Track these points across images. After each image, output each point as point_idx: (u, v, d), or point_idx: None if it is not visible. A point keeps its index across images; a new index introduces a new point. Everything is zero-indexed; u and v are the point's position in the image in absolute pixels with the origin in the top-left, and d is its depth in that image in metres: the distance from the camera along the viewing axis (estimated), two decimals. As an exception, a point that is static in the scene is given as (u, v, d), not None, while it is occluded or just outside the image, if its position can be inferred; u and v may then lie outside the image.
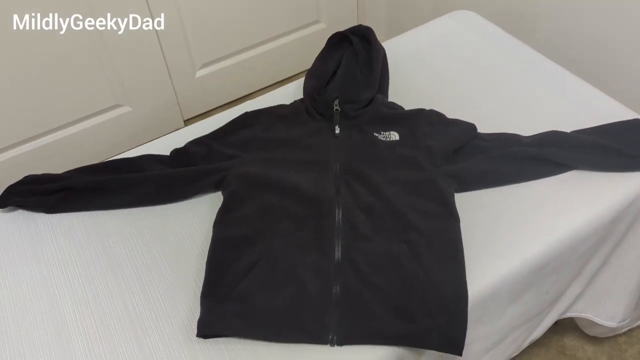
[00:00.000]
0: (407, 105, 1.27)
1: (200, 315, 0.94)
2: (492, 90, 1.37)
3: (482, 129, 1.22)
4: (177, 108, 2.23)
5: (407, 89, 1.39)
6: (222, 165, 1.15)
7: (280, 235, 1.03)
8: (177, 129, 2.37)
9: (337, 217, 1.05)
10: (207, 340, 0.93)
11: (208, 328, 0.93)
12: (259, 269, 0.98)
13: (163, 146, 1.27)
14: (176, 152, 1.21)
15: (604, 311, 1.27)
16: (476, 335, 1.05)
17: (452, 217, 1.05)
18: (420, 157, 1.13)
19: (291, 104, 1.31)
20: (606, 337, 1.49)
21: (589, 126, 1.21)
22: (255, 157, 1.17)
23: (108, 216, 1.15)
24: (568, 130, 1.19)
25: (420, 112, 1.22)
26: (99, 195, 1.14)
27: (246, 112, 1.27)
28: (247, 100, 1.48)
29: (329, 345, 0.91)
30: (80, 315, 0.99)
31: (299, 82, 1.42)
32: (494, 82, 1.39)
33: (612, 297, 1.25)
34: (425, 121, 1.20)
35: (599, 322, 1.30)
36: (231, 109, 1.38)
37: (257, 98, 1.43)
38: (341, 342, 0.91)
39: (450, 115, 1.24)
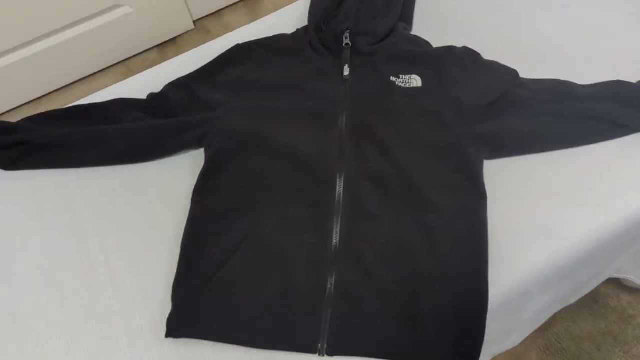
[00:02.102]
0: (436, 40, 1.02)
1: (171, 312, 0.81)
2: (552, 18, 1.09)
3: (531, 71, 0.97)
4: (184, 7, 1.98)
5: (436, 18, 1.11)
6: (206, 116, 0.96)
7: (270, 210, 0.87)
8: (187, 31, 2.18)
9: (337, 189, 0.87)
10: (179, 340, 0.81)
11: (178, 330, 0.80)
12: (242, 253, 0.83)
13: (147, 84, 1.06)
14: (153, 97, 1.01)
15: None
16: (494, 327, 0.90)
17: (478, 194, 0.86)
18: (446, 111, 0.91)
19: (293, 33, 1.07)
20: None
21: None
22: (245, 105, 0.96)
23: (73, 175, 0.99)
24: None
25: (450, 50, 0.97)
26: (62, 150, 0.97)
27: (237, 45, 1.05)
28: None
29: (317, 356, 0.78)
30: (36, 295, 0.88)
31: (300, 5, 1.16)
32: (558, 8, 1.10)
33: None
34: (455, 63, 0.96)
35: (640, 285, 1.15)
36: (227, 36, 1.15)
37: (255, 24, 1.19)
38: (332, 352, 0.77)
39: (492, 56, 0.99)
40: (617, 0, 1.10)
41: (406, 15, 1.06)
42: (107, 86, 1.14)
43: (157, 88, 1.03)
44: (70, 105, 1.04)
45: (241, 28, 1.20)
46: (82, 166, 0.99)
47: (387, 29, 1.00)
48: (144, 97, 1.02)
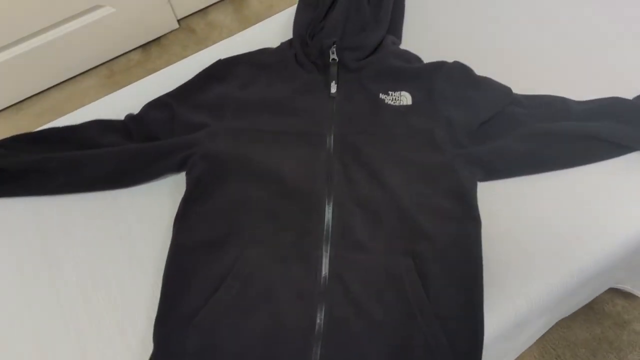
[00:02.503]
0: (426, 54, 0.98)
1: (152, 353, 0.78)
2: (543, 27, 1.05)
3: (524, 84, 0.93)
4: (168, 6, 1.92)
5: (426, 30, 1.07)
6: (187, 140, 0.92)
7: (256, 240, 0.83)
8: (171, 31, 2.11)
9: (326, 216, 0.83)
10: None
11: None
12: (226, 287, 0.79)
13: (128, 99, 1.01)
14: (131, 120, 0.97)
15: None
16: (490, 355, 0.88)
17: (472, 220, 0.83)
18: (437, 131, 0.88)
19: (278, 47, 1.02)
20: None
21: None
22: (228, 127, 0.92)
23: (47, 201, 0.95)
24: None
25: (440, 66, 0.93)
26: (38, 178, 0.93)
27: (220, 61, 1.00)
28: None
29: (307, 397, 0.75)
30: (11, 331, 0.84)
31: (290, 12, 1.11)
32: (548, 17, 1.06)
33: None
34: (447, 80, 0.92)
35: (637, 294, 1.13)
36: (206, 50, 1.10)
37: (235, 37, 1.14)
38: None
39: (485, 70, 0.95)
40: (608, 14, 1.06)
41: (395, 27, 1.01)
42: (89, 89, 1.09)
43: (141, 103, 0.98)
44: (47, 127, 0.99)
45: (222, 42, 1.15)
46: (59, 193, 0.95)
47: (375, 42, 0.96)
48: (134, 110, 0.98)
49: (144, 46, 2.00)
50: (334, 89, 0.93)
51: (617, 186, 0.86)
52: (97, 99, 1.08)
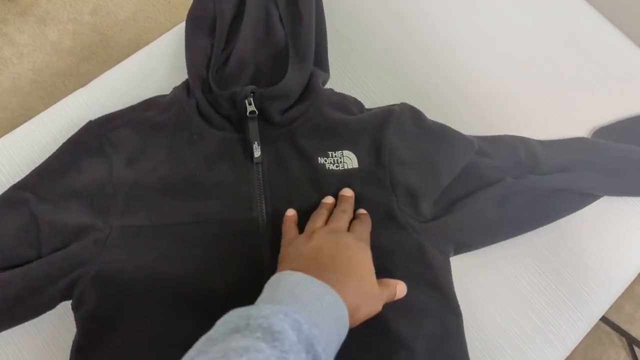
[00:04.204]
0: (350, 81, 0.79)
1: None
2: (488, 34, 0.90)
3: (471, 97, 0.81)
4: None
5: (348, 43, 0.87)
6: (64, 257, 0.65)
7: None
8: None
9: None
10: None
11: None
12: None
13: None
14: None
15: None
16: None
17: (452, 313, 0.69)
18: (395, 202, 0.71)
19: (171, 96, 0.76)
20: None
21: None
22: (119, 228, 0.67)
23: None
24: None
25: (388, 115, 0.74)
26: None
27: (91, 122, 0.72)
28: None
29: None
30: None
31: (179, 31, 0.83)
32: (494, 22, 0.91)
33: None
34: (397, 132, 0.74)
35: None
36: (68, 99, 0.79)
37: (104, 76, 0.83)
38: None
39: (433, 88, 0.79)
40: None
41: (319, 55, 0.79)
42: None
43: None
44: None
45: (103, 76, 0.83)
46: None
47: (302, 85, 0.74)
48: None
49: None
50: (257, 152, 0.71)
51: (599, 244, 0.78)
52: None
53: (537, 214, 0.76)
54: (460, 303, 0.70)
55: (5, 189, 0.68)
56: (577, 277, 0.76)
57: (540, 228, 0.77)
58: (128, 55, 1.27)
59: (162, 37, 0.85)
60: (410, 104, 0.77)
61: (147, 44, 1.18)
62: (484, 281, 0.75)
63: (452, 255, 0.73)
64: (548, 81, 0.87)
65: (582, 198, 0.77)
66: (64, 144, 0.70)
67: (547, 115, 0.85)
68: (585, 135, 0.83)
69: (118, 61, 1.49)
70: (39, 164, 0.69)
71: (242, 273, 0.67)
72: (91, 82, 0.81)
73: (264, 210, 0.70)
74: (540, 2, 0.92)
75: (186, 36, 0.78)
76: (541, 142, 0.80)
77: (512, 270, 0.76)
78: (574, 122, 0.84)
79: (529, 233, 0.77)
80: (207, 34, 0.77)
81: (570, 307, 0.75)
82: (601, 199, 0.78)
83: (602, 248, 0.77)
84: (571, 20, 0.91)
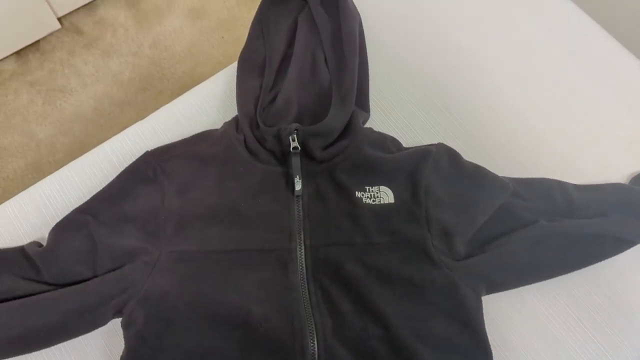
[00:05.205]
0: (389, 120, 0.83)
1: None
2: (527, 79, 0.92)
3: (507, 139, 0.84)
4: (43, 2, 1.56)
5: (389, 84, 0.91)
6: (117, 279, 0.70)
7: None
8: (51, 32, 1.72)
9: None
10: None
11: None
12: None
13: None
14: (39, 256, 0.72)
15: None
16: None
17: (480, 350, 0.71)
18: (429, 239, 0.74)
19: (221, 131, 0.81)
20: None
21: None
22: (167, 250, 0.72)
23: None
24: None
25: (425, 155, 0.77)
26: None
27: (147, 153, 0.78)
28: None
29: None
30: None
31: (230, 70, 0.90)
32: (533, 67, 0.93)
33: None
34: (434, 173, 0.77)
35: None
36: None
37: (161, 110, 0.90)
38: None
39: (470, 129, 0.82)
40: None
41: (360, 95, 0.83)
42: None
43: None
44: None
45: (160, 110, 0.89)
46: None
47: (343, 124, 0.78)
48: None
49: (19, 53, 1.64)
50: (298, 185, 0.75)
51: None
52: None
53: (571, 258, 0.77)
54: (491, 343, 0.71)
55: (69, 211, 0.74)
56: (611, 323, 0.76)
57: (576, 272, 0.77)
58: (182, 86, 1.36)
59: (214, 76, 0.91)
60: (447, 144, 0.80)
61: (200, 76, 1.25)
62: (517, 322, 0.76)
63: (484, 295, 0.75)
64: (587, 126, 0.88)
65: (618, 244, 0.77)
66: (122, 172, 0.77)
67: (584, 159, 0.86)
68: (623, 182, 0.84)
69: (172, 92, 1.59)
70: (99, 190, 0.75)
71: (279, 299, 0.71)
72: (149, 116, 0.88)
73: (302, 241, 0.74)
74: (583, 50, 0.94)
75: (237, 76, 0.83)
76: (577, 186, 0.81)
77: (546, 313, 0.77)
78: (611, 168, 0.85)
79: (564, 276, 0.77)
80: (256, 75, 0.83)
81: (603, 352, 0.74)
82: (637, 245, 0.78)
83: (637, 295, 0.77)
84: (615, 68, 0.93)
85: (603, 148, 0.87)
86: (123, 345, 0.69)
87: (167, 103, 0.91)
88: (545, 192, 0.79)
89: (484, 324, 0.72)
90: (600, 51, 0.95)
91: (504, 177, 0.79)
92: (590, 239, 0.76)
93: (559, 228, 0.75)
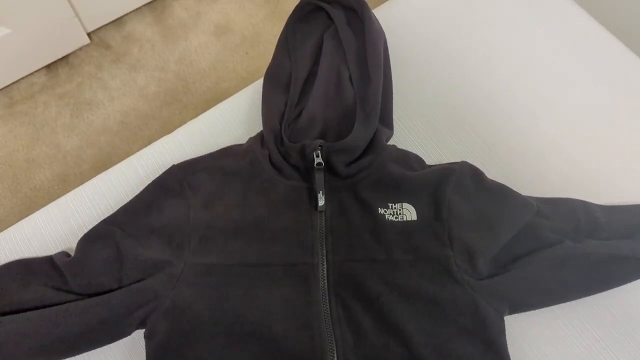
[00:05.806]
0: (413, 138, 0.83)
1: None
2: (551, 98, 0.92)
3: (531, 158, 0.84)
4: (74, 18, 1.60)
5: (412, 102, 0.91)
6: (141, 290, 0.71)
7: None
8: (80, 47, 1.77)
9: None
10: None
11: None
12: None
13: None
14: (67, 266, 0.73)
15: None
16: None
17: (502, 371, 0.70)
18: (452, 257, 0.73)
19: (246, 146, 0.83)
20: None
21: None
22: (191, 263, 0.73)
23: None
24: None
25: (449, 173, 0.77)
26: None
27: (174, 167, 0.79)
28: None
29: None
30: None
31: (256, 86, 0.91)
32: (557, 87, 0.93)
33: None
34: (457, 191, 0.77)
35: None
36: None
37: (187, 125, 0.91)
38: None
39: (493, 148, 0.82)
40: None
41: (384, 112, 0.84)
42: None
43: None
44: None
45: (187, 125, 0.91)
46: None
47: (367, 141, 0.79)
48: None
49: (49, 66, 1.68)
50: (321, 201, 0.76)
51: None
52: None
53: (595, 279, 0.76)
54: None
55: (97, 222, 0.76)
56: (637, 347, 0.74)
57: (602, 293, 0.76)
58: (206, 101, 1.37)
59: (240, 92, 0.93)
60: (471, 162, 0.80)
61: (223, 91, 1.27)
62: (541, 344, 0.75)
63: (507, 315, 0.74)
64: (613, 146, 0.88)
65: (643, 265, 0.76)
66: (149, 184, 0.78)
67: (610, 179, 0.85)
68: (651, 203, 0.83)
69: (197, 107, 1.61)
70: (126, 202, 0.77)
71: (300, 314, 0.71)
72: (175, 131, 0.89)
73: (324, 256, 0.74)
74: (612, 72, 0.94)
75: (263, 92, 0.85)
76: (602, 207, 0.80)
77: (570, 335, 0.76)
78: (637, 189, 0.84)
79: (589, 297, 0.76)
80: (282, 91, 0.84)
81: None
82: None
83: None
84: None
85: (632, 172, 0.86)
86: (144, 356, 0.70)
87: (191, 117, 0.92)
88: (569, 212, 0.79)
89: (506, 344, 0.71)
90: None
91: (528, 196, 0.79)
92: (615, 261, 0.75)
93: (584, 249, 0.74)
